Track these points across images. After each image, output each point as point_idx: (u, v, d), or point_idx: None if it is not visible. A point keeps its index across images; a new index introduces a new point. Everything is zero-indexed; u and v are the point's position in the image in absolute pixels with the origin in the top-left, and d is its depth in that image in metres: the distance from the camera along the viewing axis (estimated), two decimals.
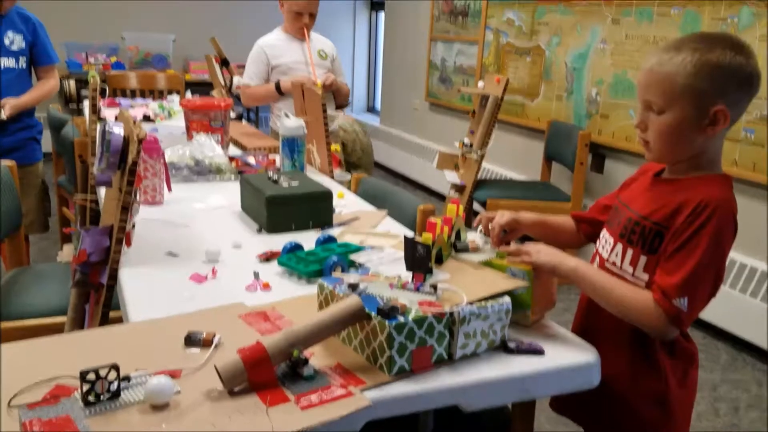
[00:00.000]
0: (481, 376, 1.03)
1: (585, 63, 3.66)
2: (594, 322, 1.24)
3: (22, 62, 2.82)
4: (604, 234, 1.26)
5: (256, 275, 1.34)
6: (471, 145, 3.45)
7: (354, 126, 3.66)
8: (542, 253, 1.17)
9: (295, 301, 1.24)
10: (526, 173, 4.19)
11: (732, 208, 1.10)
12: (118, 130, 1.34)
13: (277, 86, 3.02)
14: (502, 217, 1.28)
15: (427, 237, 1.16)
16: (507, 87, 3.35)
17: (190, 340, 1.06)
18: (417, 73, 5.35)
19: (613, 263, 1.21)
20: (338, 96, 3.16)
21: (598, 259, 1.26)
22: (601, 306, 1.17)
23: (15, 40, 2.77)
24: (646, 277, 1.15)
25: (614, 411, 1.21)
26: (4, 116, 2.70)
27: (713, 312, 2.86)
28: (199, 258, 1.45)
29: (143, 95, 4.30)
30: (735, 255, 2.90)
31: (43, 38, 2.88)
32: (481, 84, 3.54)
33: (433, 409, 1.14)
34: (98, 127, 1.38)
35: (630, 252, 1.17)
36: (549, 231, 1.36)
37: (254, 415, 0.88)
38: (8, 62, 2.77)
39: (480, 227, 1.33)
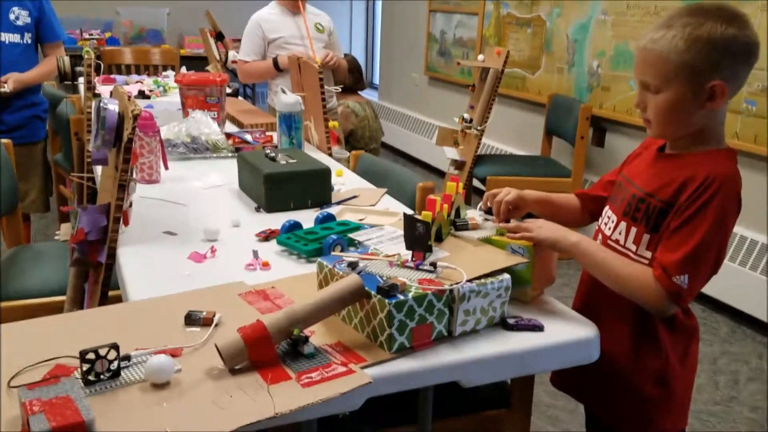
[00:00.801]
0: (480, 353, 1.03)
1: (586, 34, 3.62)
2: (595, 298, 1.24)
3: (27, 38, 2.78)
4: (607, 211, 1.25)
5: (255, 254, 1.33)
6: (471, 121, 3.42)
7: (366, 110, 3.62)
8: (543, 228, 1.16)
9: (295, 280, 1.23)
10: (526, 148, 4.16)
11: (737, 184, 1.09)
12: (113, 107, 1.32)
13: (275, 62, 2.97)
14: (507, 194, 1.27)
15: (426, 215, 1.16)
16: (507, 60, 3.31)
17: (190, 319, 1.06)
18: (416, 47, 5.29)
19: (616, 241, 1.20)
20: (337, 72, 3.12)
21: (600, 236, 1.25)
22: (601, 282, 1.16)
23: (20, 15, 2.73)
24: (649, 254, 1.15)
25: (614, 388, 1.22)
26: (8, 89, 2.68)
27: (713, 285, 2.84)
28: (197, 237, 1.45)
29: (138, 71, 4.26)
30: (735, 228, 2.89)
31: (50, 14, 2.85)
32: (481, 57, 3.50)
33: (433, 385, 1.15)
34: (93, 104, 1.36)
35: (634, 230, 1.16)
36: (553, 209, 1.34)
37: (255, 393, 0.89)
38: (13, 38, 2.74)
39: (486, 204, 1.32)
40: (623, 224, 1.19)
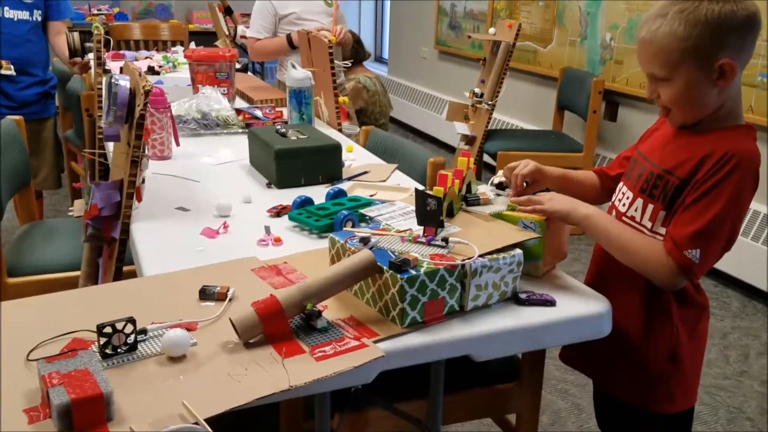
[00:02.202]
0: (492, 327, 1.03)
1: (599, 7, 3.55)
2: (606, 273, 1.24)
3: (37, 15, 2.77)
4: (622, 188, 1.24)
5: (267, 230, 1.34)
6: (481, 95, 3.39)
7: (376, 85, 3.58)
8: (554, 201, 1.16)
9: (307, 256, 1.24)
10: (537, 123, 4.12)
11: (755, 162, 1.08)
12: (124, 83, 1.32)
13: (289, 40, 2.93)
14: (525, 166, 1.26)
15: (438, 190, 1.15)
16: (519, 33, 3.26)
17: (205, 294, 1.07)
18: (425, 20, 5.22)
19: (632, 218, 1.19)
20: (344, 47, 3.09)
21: (614, 213, 1.24)
22: (612, 255, 1.16)
23: None
24: (664, 231, 1.14)
25: (624, 363, 1.22)
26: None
27: (724, 260, 2.83)
28: (209, 212, 1.45)
29: (147, 46, 4.24)
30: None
31: None
32: (492, 30, 3.45)
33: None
34: (104, 80, 1.36)
35: (650, 207, 1.15)
36: (572, 185, 1.33)
37: (270, 366, 0.90)
38: (21, 15, 2.73)
39: (500, 179, 1.31)
40: (640, 201, 1.18)
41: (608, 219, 1.18)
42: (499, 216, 1.21)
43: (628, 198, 1.21)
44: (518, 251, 1.10)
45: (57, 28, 2.88)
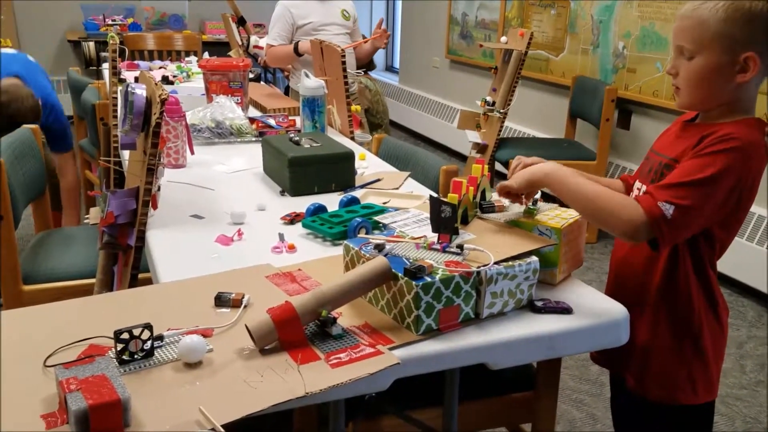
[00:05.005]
0: (508, 335, 1.03)
1: (611, 15, 3.55)
2: (625, 280, 1.23)
3: None
4: (636, 184, 1.24)
5: (282, 237, 1.34)
6: (493, 104, 3.39)
7: (376, 85, 3.64)
8: (517, 176, 1.16)
9: (321, 263, 1.24)
10: (549, 131, 4.12)
11: (756, 154, 1.07)
12: (141, 92, 1.33)
13: (295, 48, 2.99)
14: (530, 158, 1.26)
15: (452, 197, 1.15)
16: (531, 41, 3.26)
17: (220, 301, 1.07)
18: (437, 30, 5.24)
19: None
20: (360, 57, 3.14)
21: None
22: (577, 211, 1.15)
23: None
24: None
25: (647, 354, 1.20)
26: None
27: (739, 268, 2.83)
28: (224, 220, 1.46)
29: (160, 56, 4.28)
30: (760, 210, 2.85)
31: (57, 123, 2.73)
32: (504, 39, 3.46)
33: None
34: (119, 89, 1.37)
35: None
36: None
37: (285, 372, 0.90)
38: None
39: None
40: None
41: (572, 172, 1.14)
42: (514, 223, 1.21)
43: (642, 192, 1.20)
44: (534, 258, 1.09)
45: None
